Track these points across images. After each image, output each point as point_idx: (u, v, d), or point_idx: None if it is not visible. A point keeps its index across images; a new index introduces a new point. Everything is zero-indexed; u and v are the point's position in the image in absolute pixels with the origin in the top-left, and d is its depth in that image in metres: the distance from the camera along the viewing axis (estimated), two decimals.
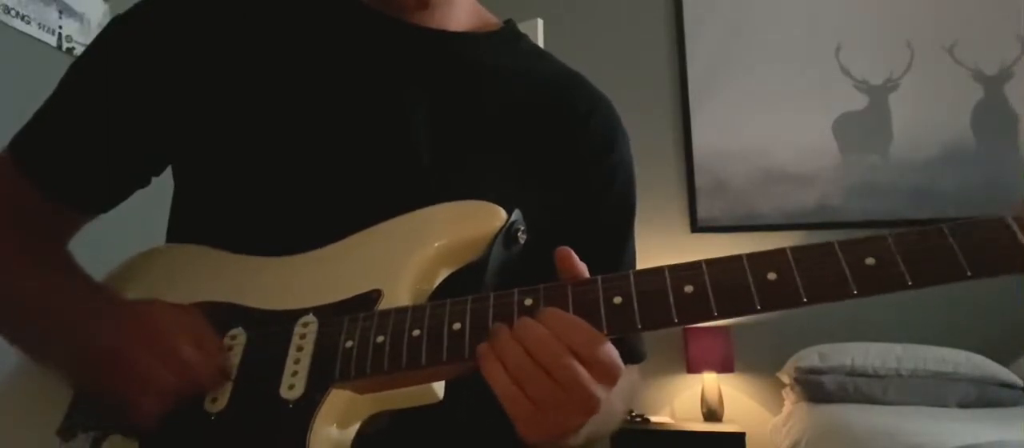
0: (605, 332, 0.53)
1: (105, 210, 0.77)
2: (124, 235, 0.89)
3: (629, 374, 0.80)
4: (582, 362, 0.52)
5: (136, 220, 0.97)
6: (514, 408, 0.52)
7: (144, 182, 0.78)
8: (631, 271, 0.54)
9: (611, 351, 0.53)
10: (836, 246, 0.50)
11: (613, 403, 0.60)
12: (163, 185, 0.78)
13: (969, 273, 0.48)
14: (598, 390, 0.52)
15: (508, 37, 0.81)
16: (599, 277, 0.55)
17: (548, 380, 0.51)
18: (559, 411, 0.52)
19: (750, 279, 0.51)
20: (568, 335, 0.52)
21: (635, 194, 0.82)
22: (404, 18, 0.74)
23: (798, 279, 0.50)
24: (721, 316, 0.51)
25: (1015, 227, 0.48)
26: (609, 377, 0.53)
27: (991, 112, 3.04)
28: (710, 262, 0.53)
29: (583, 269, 0.57)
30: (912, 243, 0.49)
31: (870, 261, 0.49)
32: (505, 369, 0.52)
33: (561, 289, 0.55)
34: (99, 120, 0.72)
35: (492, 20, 0.82)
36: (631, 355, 0.79)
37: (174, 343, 0.58)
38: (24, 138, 0.74)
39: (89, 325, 0.62)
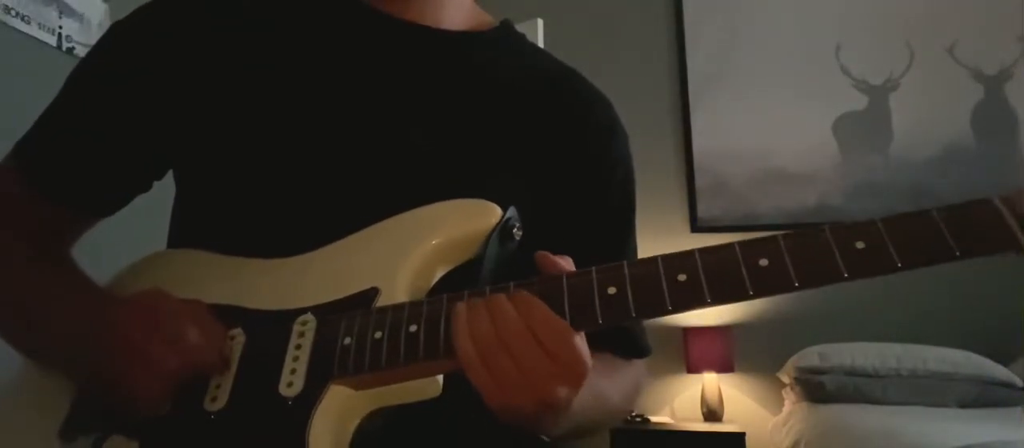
0: (600, 322, 0.53)
1: (108, 214, 0.78)
2: (125, 240, 0.89)
3: (635, 369, 0.80)
4: (546, 353, 0.52)
5: (137, 225, 0.97)
6: (473, 376, 0.53)
7: (146, 186, 0.78)
8: (625, 262, 0.55)
9: (577, 348, 0.53)
10: (827, 230, 0.51)
11: (592, 402, 0.60)
12: (164, 189, 0.79)
13: (957, 253, 0.48)
14: (559, 387, 0.53)
15: (505, 35, 0.82)
16: (593, 268, 0.55)
17: (510, 361, 0.52)
18: (516, 393, 0.53)
19: (742, 265, 0.52)
20: (534, 323, 0.53)
21: (635, 190, 0.82)
22: (402, 17, 0.74)
23: (789, 264, 0.51)
24: (714, 302, 0.52)
25: (1002, 207, 0.49)
26: (572, 374, 0.53)
27: (991, 112, 3.05)
28: (703, 250, 0.54)
29: (562, 265, 0.57)
30: (901, 226, 0.50)
31: (860, 244, 0.50)
32: (472, 339, 0.53)
33: (556, 280, 0.55)
34: (101, 124, 0.72)
35: (488, 19, 0.82)
36: (633, 348, 0.79)
37: (180, 328, 0.59)
38: (27, 143, 0.74)
39: (96, 319, 0.63)
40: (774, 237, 0.52)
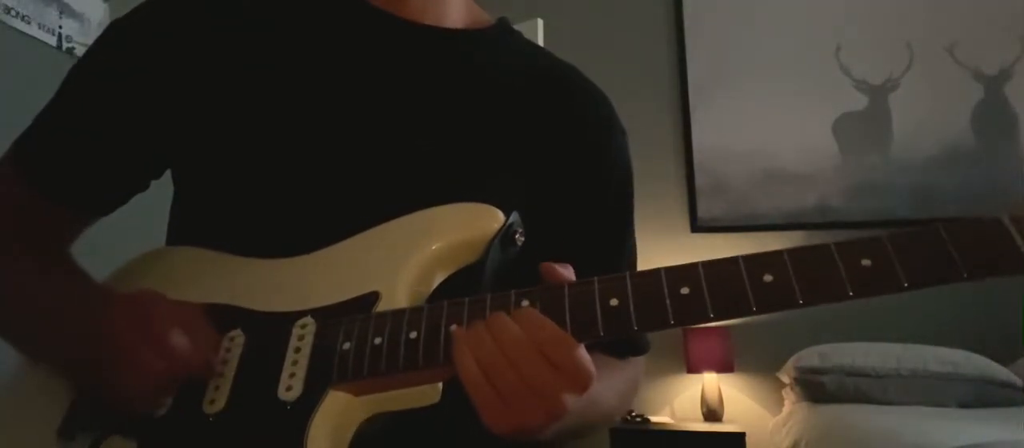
0: (601, 333, 0.53)
1: (106, 213, 0.78)
2: (124, 239, 0.89)
3: (631, 367, 0.80)
4: (552, 365, 0.52)
5: (136, 223, 0.97)
6: (479, 397, 0.52)
7: (145, 185, 0.78)
8: (627, 273, 0.54)
9: (582, 357, 0.53)
10: (832, 248, 0.50)
11: (586, 406, 0.60)
12: (163, 187, 0.79)
13: (965, 275, 0.47)
14: (566, 397, 0.53)
15: (503, 33, 0.82)
16: (596, 279, 0.55)
17: (516, 377, 0.51)
18: (524, 408, 0.52)
19: (746, 281, 0.51)
20: (538, 337, 0.52)
21: (633, 190, 0.82)
22: (402, 15, 0.74)
23: (794, 281, 0.50)
24: (717, 318, 0.51)
25: (1012, 228, 0.47)
26: (578, 384, 0.53)
27: (991, 112, 3.04)
28: (706, 264, 0.53)
29: (566, 276, 0.57)
30: (908, 244, 0.49)
31: (866, 262, 0.49)
32: (475, 359, 0.52)
33: (558, 290, 0.55)
34: (100, 123, 0.72)
35: (486, 17, 0.82)
36: (630, 348, 0.79)
37: (164, 330, 0.58)
38: (26, 141, 0.74)
39: (90, 319, 0.62)
40: (779, 252, 0.51)
